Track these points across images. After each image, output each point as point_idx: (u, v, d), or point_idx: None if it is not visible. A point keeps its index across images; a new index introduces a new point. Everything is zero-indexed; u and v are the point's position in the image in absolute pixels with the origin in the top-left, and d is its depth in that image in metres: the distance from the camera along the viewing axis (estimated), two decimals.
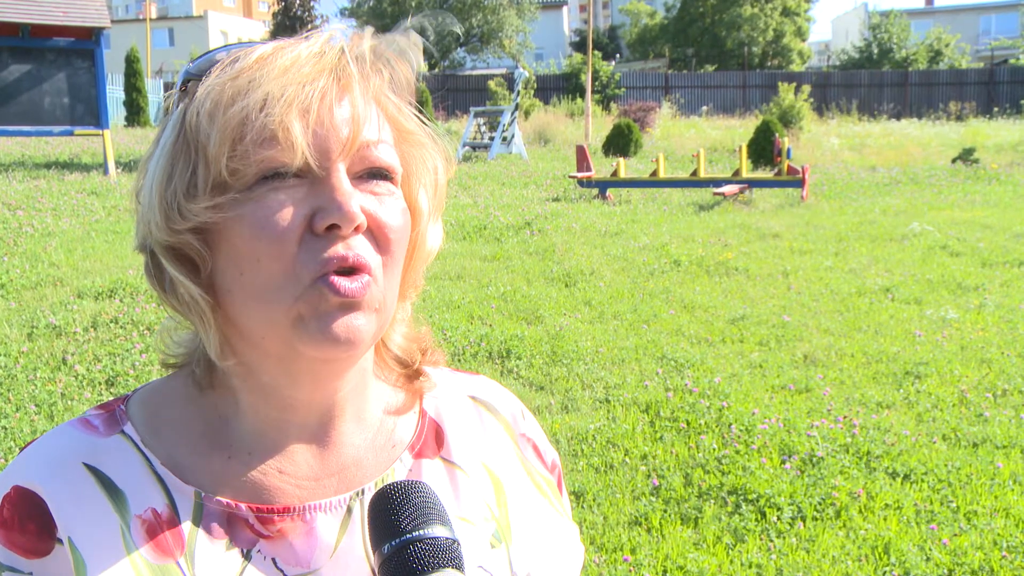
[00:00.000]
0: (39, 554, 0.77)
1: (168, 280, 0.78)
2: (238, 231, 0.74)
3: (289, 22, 38.03)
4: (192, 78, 0.78)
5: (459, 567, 0.69)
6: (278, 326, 0.75)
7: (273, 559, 0.79)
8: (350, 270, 0.74)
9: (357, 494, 0.83)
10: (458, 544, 0.70)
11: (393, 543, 0.68)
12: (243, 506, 0.80)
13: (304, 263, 0.73)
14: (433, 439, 0.90)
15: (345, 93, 0.75)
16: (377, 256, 0.77)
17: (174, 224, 0.76)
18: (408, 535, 0.68)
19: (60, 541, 0.77)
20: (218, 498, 0.80)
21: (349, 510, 0.82)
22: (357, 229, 0.74)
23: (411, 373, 0.92)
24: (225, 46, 0.80)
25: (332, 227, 0.73)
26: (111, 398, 0.88)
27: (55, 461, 0.80)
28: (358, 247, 0.74)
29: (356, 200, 0.74)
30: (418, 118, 0.82)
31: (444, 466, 0.89)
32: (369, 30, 0.80)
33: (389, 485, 0.72)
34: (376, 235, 0.76)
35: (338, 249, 0.73)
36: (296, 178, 0.74)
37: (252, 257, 0.74)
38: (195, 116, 0.75)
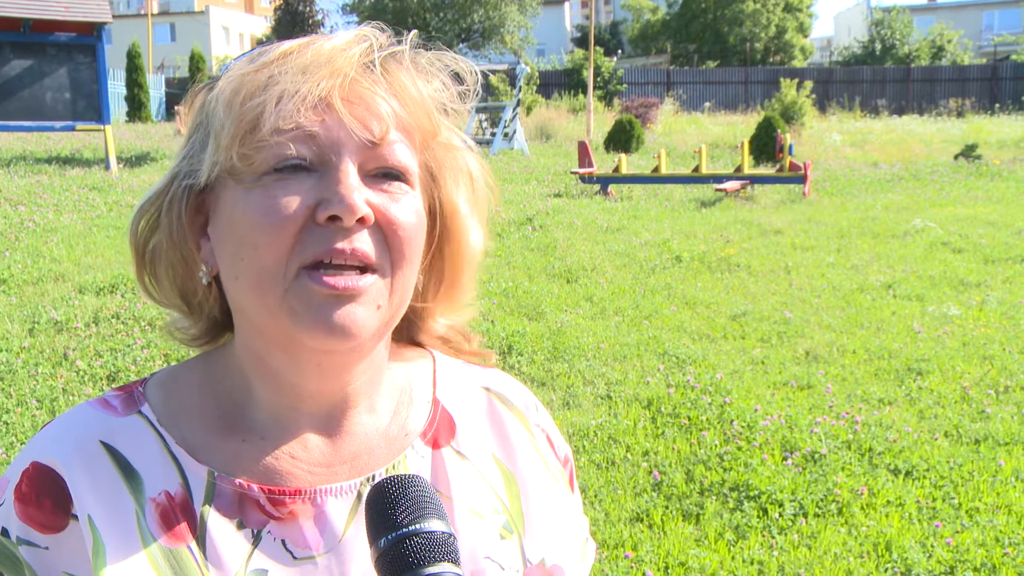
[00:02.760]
0: (54, 529, 0.78)
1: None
2: (244, 217, 0.75)
3: (290, 18, 37.99)
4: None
5: (455, 561, 0.69)
6: (275, 315, 0.76)
7: (282, 540, 0.80)
8: (350, 265, 0.75)
9: (368, 479, 0.84)
10: (455, 538, 0.70)
11: (389, 537, 0.69)
12: (255, 487, 0.81)
13: (299, 253, 0.74)
14: (446, 429, 0.91)
15: (365, 90, 0.76)
16: (385, 253, 0.77)
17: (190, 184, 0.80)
18: (404, 529, 0.69)
19: (75, 517, 0.78)
20: (231, 478, 0.81)
21: (359, 495, 0.83)
22: (362, 222, 0.75)
23: (453, 350, 0.97)
24: (270, 42, 0.82)
25: (334, 219, 0.74)
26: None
27: (73, 439, 0.81)
28: (359, 242, 0.75)
29: (361, 194, 0.75)
30: (447, 122, 0.83)
31: (455, 457, 0.90)
32: (406, 33, 0.81)
33: (386, 479, 0.73)
34: (385, 231, 0.77)
35: (337, 242, 0.74)
36: (305, 171, 0.75)
37: (252, 243, 0.75)
38: (214, 103, 0.77)
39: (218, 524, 0.79)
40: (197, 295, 0.85)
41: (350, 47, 0.77)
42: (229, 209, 0.77)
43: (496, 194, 0.90)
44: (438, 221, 0.85)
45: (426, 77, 0.81)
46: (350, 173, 0.75)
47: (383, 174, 0.78)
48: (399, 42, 0.80)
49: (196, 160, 0.79)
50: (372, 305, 0.77)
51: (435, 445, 0.89)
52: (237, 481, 0.81)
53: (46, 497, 0.79)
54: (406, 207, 0.78)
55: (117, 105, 23.87)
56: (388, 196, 0.77)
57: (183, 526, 0.79)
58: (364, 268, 0.76)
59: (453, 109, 0.83)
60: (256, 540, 0.80)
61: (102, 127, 13.55)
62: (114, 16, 15.56)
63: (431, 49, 0.82)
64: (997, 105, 31.50)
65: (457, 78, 0.83)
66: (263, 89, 0.75)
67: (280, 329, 0.77)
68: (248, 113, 0.74)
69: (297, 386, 0.82)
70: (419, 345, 0.95)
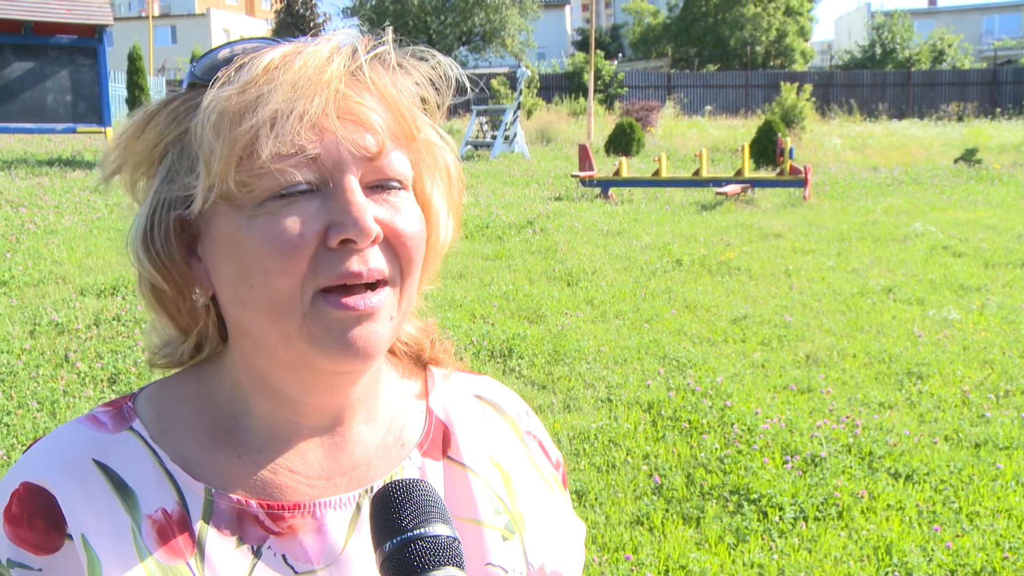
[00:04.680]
0: (48, 551, 0.77)
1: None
2: (250, 244, 0.74)
3: (292, 20, 38.05)
4: (197, 82, 0.77)
5: (460, 566, 0.69)
6: (291, 339, 0.75)
7: (283, 556, 0.80)
8: (365, 284, 0.74)
9: (366, 491, 0.84)
10: (459, 542, 0.70)
11: (394, 541, 0.69)
12: (253, 503, 0.80)
13: (313, 278, 0.73)
14: (440, 439, 0.91)
15: (355, 102, 0.75)
16: (395, 264, 0.76)
17: (161, 250, 0.78)
18: (409, 533, 0.69)
19: (70, 537, 0.76)
20: (228, 495, 0.80)
21: (358, 507, 0.83)
22: (373, 242, 0.74)
23: (420, 363, 0.94)
24: (228, 43, 0.79)
25: (347, 241, 0.73)
26: (113, 396, 0.88)
27: (65, 457, 0.80)
28: (373, 260, 0.74)
29: (371, 213, 0.74)
30: (426, 118, 0.82)
31: (452, 467, 0.90)
32: (385, 34, 0.79)
33: (391, 483, 0.72)
34: (393, 244, 0.76)
35: (352, 265, 0.73)
36: (309, 191, 0.73)
37: (263, 270, 0.74)
38: (200, 128, 0.74)
39: (217, 541, 0.78)
40: (187, 316, 0.83)
41: (333, 56, 0.74)
42: (229, 233, 0.75)
43: (464, 189, 0.89)
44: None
45: (407, 77, 0.79)
46: (356, 192, 0.73)
47: (383, 184, 0.77)
48: (377, 43, 0.78)
49: (179, 185, 0.76)
50: (386, 318, 0.76)
51: (431, 456, 0.89)
52: (235, 497, 0.80)
53: (38, 518, 0.77)
54: (409, 215, 0.77)
55: (118, 107, 23.86)
56: (391, 207, 0.76)
57: (181, 542, 0.77)
58: (376, 283, 0.75)
59: (434, 102, 0.81)
60: (256, 556, 0.79)
61: (103, 129, 13.57)
62: (115, 18, 15.58)
63: (405, 45, 0.81)
64: (998, 109, 31.50)
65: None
66: (252, 111, 0.72)
67: (295, 353, 0.76)
68: (240, 138, 0.72)
69: (300, 402, 0.81)
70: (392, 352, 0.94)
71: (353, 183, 0.74)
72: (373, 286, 0.75)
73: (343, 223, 0.73)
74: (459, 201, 0.87)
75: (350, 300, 0.73)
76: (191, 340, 0.84)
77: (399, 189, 0.77)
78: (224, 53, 0.77)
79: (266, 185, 0.73)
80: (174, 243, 0.78)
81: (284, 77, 0.72)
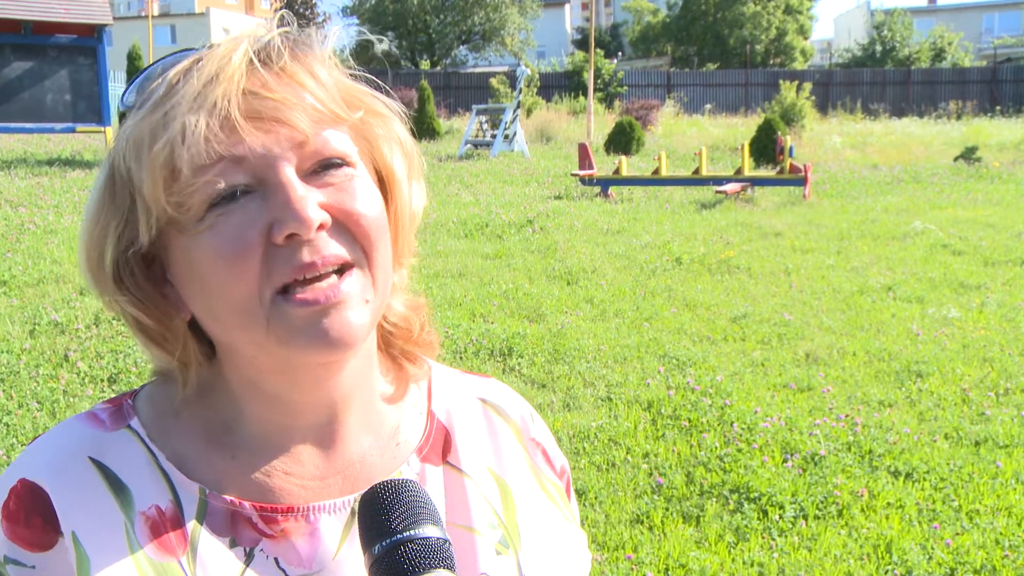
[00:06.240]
0: (43, 548, 0.77)
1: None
2: (201, 261, 0.73)
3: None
4: (128, 111, 0.76)
5: (450, 567, 0.68)
6: (265, 346, 0.74)
7: (276, 559, 0.79)
8: (334, 272, 0.73)
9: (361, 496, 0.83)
10: (449, 544, 0.70)
11: (384, 543, 0.68)
12: (247, 504, 0.80)
13: (268, 279, 0.72)
14: (441, 443, 0.90)
15: (265, 96, 0.72)
16: (355, 245, 0.74)
17: (121, 289, 0.77)
18: (399, 535, 0.68)
19: (63, 535, 0.77)
20: (222, 495, 0.80)
21: (353, 512, 0.82)
22: (321, 227, 0.72)
23: (406, 353, 0.90)
24: (149, 65, 0.78)
25: (292, 235, 0.71)
26: (112, 395, 0.88)
27: (60, 455, 0.80)
28: (327, 248, 0.72)
29: (312, 200, 0.72)
30: (366, 85, 0.80)
31: (451, 472, 0.88)
32: (280, 19, 0.77)
33: (379, 484, 0.72)
34: (347, 225, 0.74)
35: (303, 257, 0.71)
36: (245, 194, 0.72)
37: (218, 284, 0.73)
38: (121, 161, 0.73)
39: (209, 542, 0.78)
40: (174, 343, 0.81)
41: (231, 54, 0.72)
42: (182, 257, 0.75)
43: (421, 154, 0.86)
44: (384, 186, 0.81)
45: (311, 53, 0.77)
46: (293, 183, 0.71)
47: (323, 166, 0.74)
48: (275, 29, 0.76)
49: (130, 223, 0.76)
50: (360, 302, 0.74)
51: (430, 461, 0.88)
52: (229, 498, 0.80)
53: (35, 515, 0.77)
54: (358, 192, 0.75)
55: (117, 107, 23.90)
56: (336, 188, 0.74)
57: (173, 540, 0.77)
58: (342, 268, 0.73)
59: (354, 73, 0.79)
60: (249, 559, 0.78)
61: (102, 129, 13.58)
62: (115, 18, 15.59)
63: (301, 27, 0.79)
64: (997, 107, 31.50)
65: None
66: (163, 128, 0.70)
67: (273, 357, 0.76)
68: (157, 158, 0.70)
69: (293, 402, 0.81)
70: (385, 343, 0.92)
71: (288, 174, 0.71)
72: (340, 272, 0.73)
73: (283, 218, 0.71)
74: (419, 166, 0.84)
75: (308, 295, 0.72)
76: (190, 373, 0.83)
77: (342, 166, 0.75)
78: (142, 77, 0.76)
79: (200, 200, 0.71)
80: (140, 277, 0.78)
81: (186, 88, 0.71)
